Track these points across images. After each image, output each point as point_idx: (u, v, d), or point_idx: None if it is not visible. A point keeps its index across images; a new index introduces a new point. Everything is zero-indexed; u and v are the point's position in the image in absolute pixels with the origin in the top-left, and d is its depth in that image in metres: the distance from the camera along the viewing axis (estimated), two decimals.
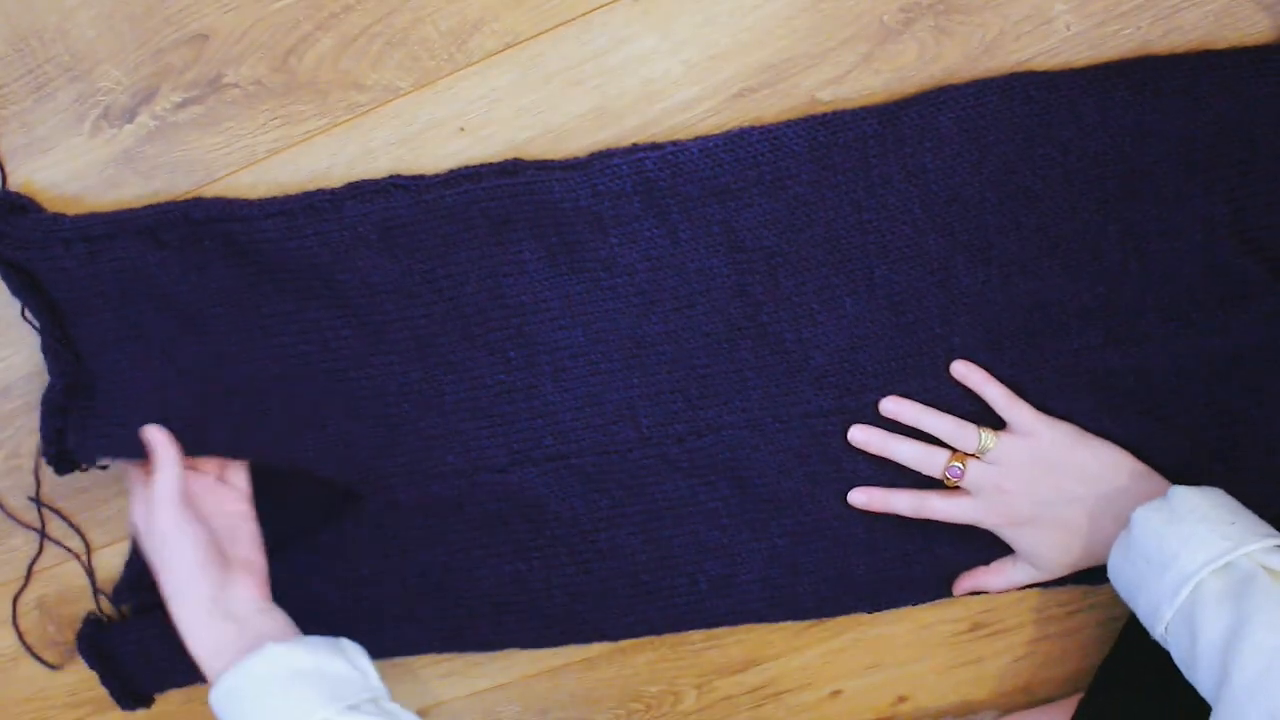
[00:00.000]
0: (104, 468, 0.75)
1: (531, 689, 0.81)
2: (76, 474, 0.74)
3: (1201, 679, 0.56)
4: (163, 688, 0.79)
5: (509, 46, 0.68)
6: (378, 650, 0.77)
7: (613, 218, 0.68)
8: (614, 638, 0.76)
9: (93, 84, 0.70)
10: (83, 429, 0.71)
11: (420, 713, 0.82)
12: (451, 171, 0.68)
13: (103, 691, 0.77)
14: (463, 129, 0.69)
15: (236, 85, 0.69)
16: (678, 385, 0.70)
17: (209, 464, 0.72)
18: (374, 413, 0.72)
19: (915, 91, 0.66)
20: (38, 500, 0.77)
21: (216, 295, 0.70)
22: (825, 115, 0.66)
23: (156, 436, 0.68)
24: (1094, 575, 0.68)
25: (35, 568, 0.79)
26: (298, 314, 0.71)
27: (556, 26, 0.67)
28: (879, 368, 0.69)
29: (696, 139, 0.66)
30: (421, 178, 0.68)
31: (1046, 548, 0.67)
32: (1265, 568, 0.56)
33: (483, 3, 0.67)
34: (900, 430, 0.69)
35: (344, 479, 0.73)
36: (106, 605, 0.79)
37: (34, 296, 0.70)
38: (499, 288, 0.69)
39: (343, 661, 0.66)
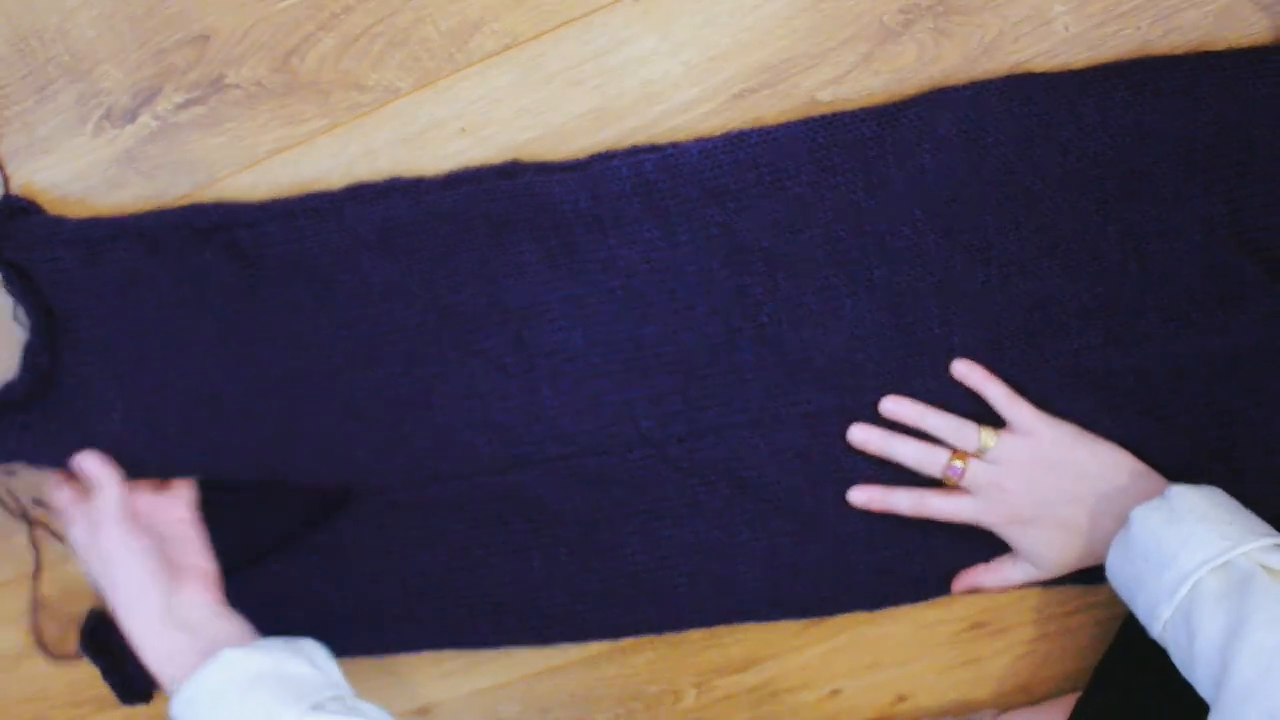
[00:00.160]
0: (11, 474, 0.75)
1: (532, 688, 0.81)
2: None
3: (1200, 678, 0.56)
4: None
5: (509, 47, 0.68)
6: (378, 650, 0.77)
7: (612, 220, 0.68)
8: (614, 637, 0.76)
9: (94, 84, 0.70)
10: (35, 432, 0.71)
11: (420, 712, 0.82)
12: (451, 174, 0.69)
13: (103, 689, 0.77)
14: (463, 129, 0.69)
15: (238, 86, 0.70)
16: (677, 386, 0.70)
17: (146, 482, 0.72)
18: (372, 415, 0.72)
19: (915, 92, 0.66)
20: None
21: (215, 302, 0.70)
22: (824, 117, 0.66)
23: (92, 462, 0.69)
24: (1093, 575, 0.68)
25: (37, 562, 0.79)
26: (297, 318, 0.71)
27: (557, 27, 0.67)
28: (879, 368, 0.69)
29: (696, 140, 0.67)
30: (421, 180, 0.69)
31: (1046, 547, 0.67)
32: (1264, 567, 0.56)
33: (483, 3, 0.67)
34: (900, 430, 0.69)
35: (342, 480, 0.73)
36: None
37: (31, 299, 0.70)
38: (498, 290, 0.70)
39: (302, 662, 0.65)
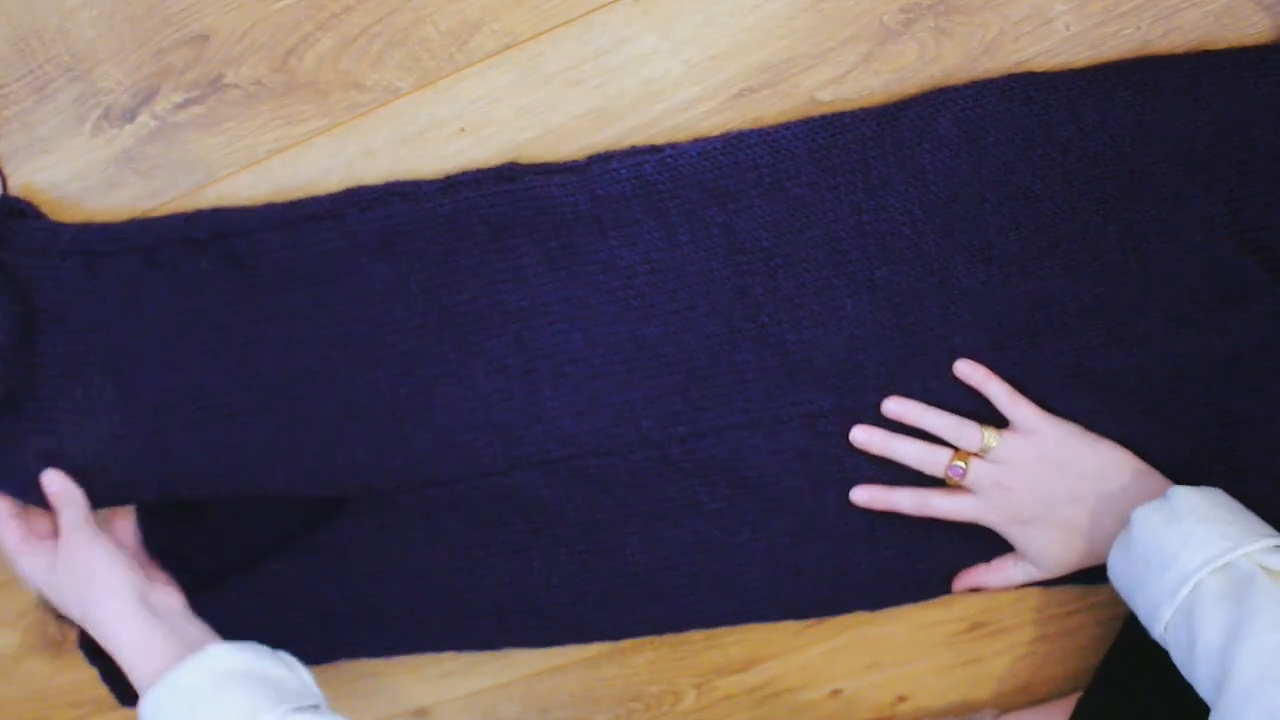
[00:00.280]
0: None
1: (532, 689, 0.81)
2: None
3: (1200, 679, 0.56)
4: None
5: (509, 47, 0.68)
6: (378, 650, 0.77)
7: (612, 221, 0.68)
8: (614, 637, 0.76)
9: (93, 84, 0.70)
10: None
11: (420, 713, 0.82)
12: (450, 178, 0.68)
13: (102, 691, 0.77)
14: (463, 129, 0.69)
15: (237, 85, 0.70)
16: (678, 387, 0.70)
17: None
18: (373, 416, 0.72)
19: (915, 92, 0.66)
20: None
21: (214, 308, 0.70)
22: (824, 117, 0.66)
23: (57, 481, 0.70)
24: (1093, 575, 0.68)
25: None
26: (296, 321, 0.71)
27: (557, 27, 0.67)
28: (880, 368, 0.69)
29: (695, 141, 0.67)
30: (420, 185, 0.68)
31: (1048, 546, 0.67)
32: (1264, 568, 0.56)
33: (483, 3, 0.67)
34: (902, 430, 0.69)
35: (341, 482, 0.73)
36: None
37: (14, 304, 0.70)
38: (498, 292, 0.69)
39: (284, 668, 0.66)
